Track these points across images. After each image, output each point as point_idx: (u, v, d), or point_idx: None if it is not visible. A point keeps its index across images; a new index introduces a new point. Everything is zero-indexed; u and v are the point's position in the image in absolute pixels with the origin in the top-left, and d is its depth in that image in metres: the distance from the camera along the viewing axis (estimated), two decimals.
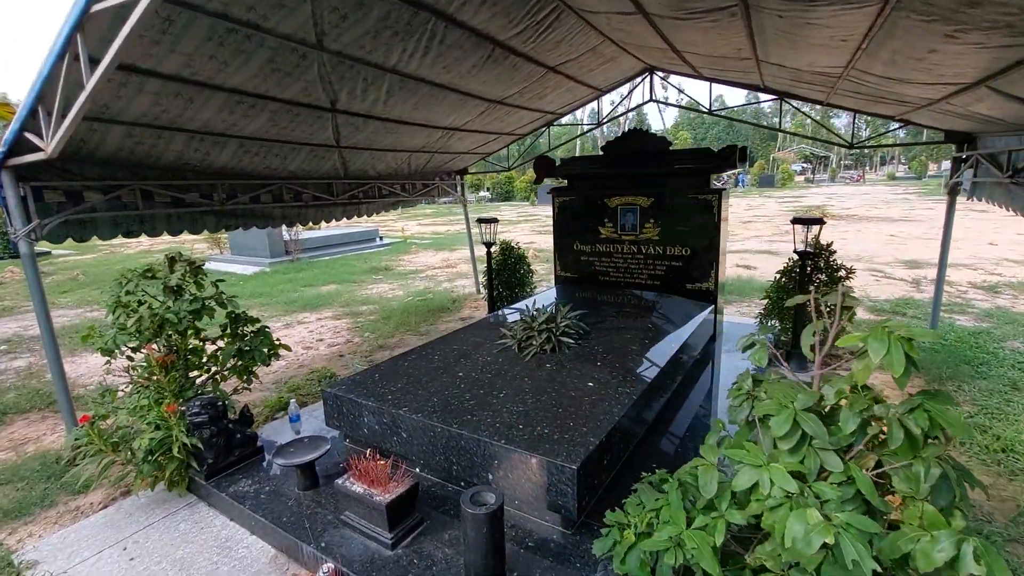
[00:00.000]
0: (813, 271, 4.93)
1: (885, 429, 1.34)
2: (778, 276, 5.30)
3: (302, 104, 4.21)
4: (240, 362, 3.62)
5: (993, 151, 4.45)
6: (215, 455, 3.22)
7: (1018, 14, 1.89)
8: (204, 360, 3.60)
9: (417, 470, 3.17)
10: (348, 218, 6.55)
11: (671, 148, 5.48)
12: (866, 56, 3.17)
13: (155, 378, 3.18)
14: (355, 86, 4.20)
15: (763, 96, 6.27)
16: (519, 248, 6.87)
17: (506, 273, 6.71)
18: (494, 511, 2.18)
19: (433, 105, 5.15)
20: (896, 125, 5.53)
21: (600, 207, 5.81)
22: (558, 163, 6.00)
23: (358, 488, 2.61)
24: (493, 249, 6.47)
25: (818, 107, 5.78)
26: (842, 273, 4.94)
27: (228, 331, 3.77)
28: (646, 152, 5.52)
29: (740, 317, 6.86)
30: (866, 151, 49.46)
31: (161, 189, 4.36)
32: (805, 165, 56.78)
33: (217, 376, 3.71)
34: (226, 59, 3.26)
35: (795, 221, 4.64)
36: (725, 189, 5.18)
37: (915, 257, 11.31)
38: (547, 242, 15.79)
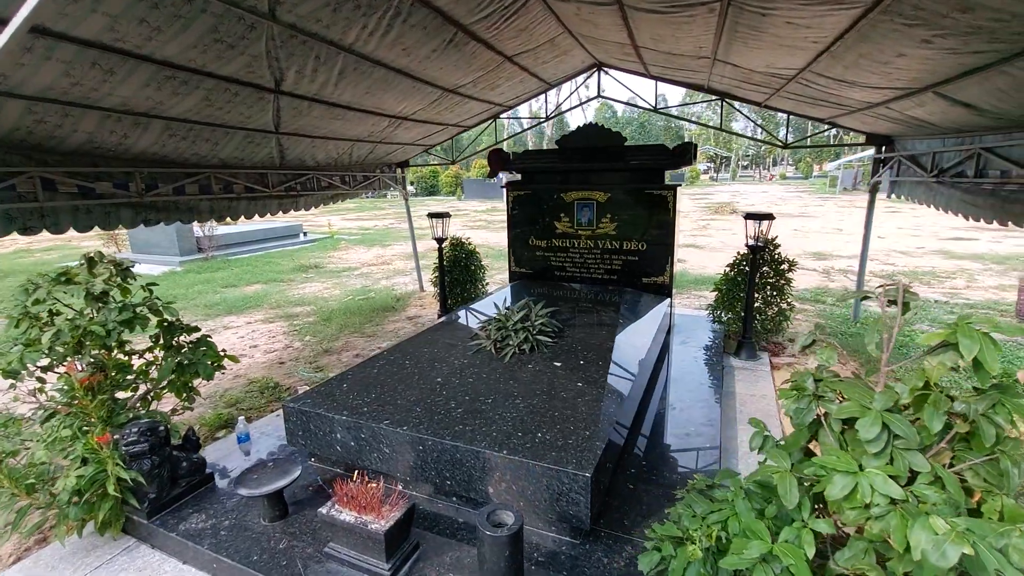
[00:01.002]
0: (761, 264, 5.18)
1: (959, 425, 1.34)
2: (727, 269, 5.53)
3: (243, 83, 3.72)
4: (181, 378, 3.14)
5: (915, 153, 4.90)
6: (158, 488, 2.76)
7: (1006, 20, 2.01)
8: (133, 377, 3.08)
9: (400, 487, 2.91)
10: (284, 212, 5.98)
11: (626, 144, 5.52)
12: (830, 58, 3.32)
13: (78, 403, 2.65)
14: (305, 65, 3.78)
15: (701, 96, 6.52)
16: (470, 244, 6.65)
17: (458, 271, 6.48)
18: (515, 532, 2.02)
19: (385, 91, 4.80)
20: (825, 128, 5.96)
21: (556, 202, 5.76)
22: (512, 157, 5.86)
23: (347, 516, 2.33)
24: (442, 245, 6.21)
25: (755, 108, 6.08)
26: (785, 266, 5.25)
27: (162, 342, 3.26)
28: (602, 147, 5.53)
29: (685, 309, 7.13)
30: (761, 152, 54.02)
31: (66, 177, 3.69)
32: (709, 164, 60.77)
33: (149, 395, 3.20)
34: (160, 24, 2.76)
35: (748, 216, 4.84)
36: (679, 185, 5.31)
37: (819, 249, 12.44)
38: (482, 237, 15.63)
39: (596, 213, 5.60)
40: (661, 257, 5.43)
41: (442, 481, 2.71)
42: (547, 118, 7.24)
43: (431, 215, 6.04)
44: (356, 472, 2.51)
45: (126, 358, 2.98)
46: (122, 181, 4.15)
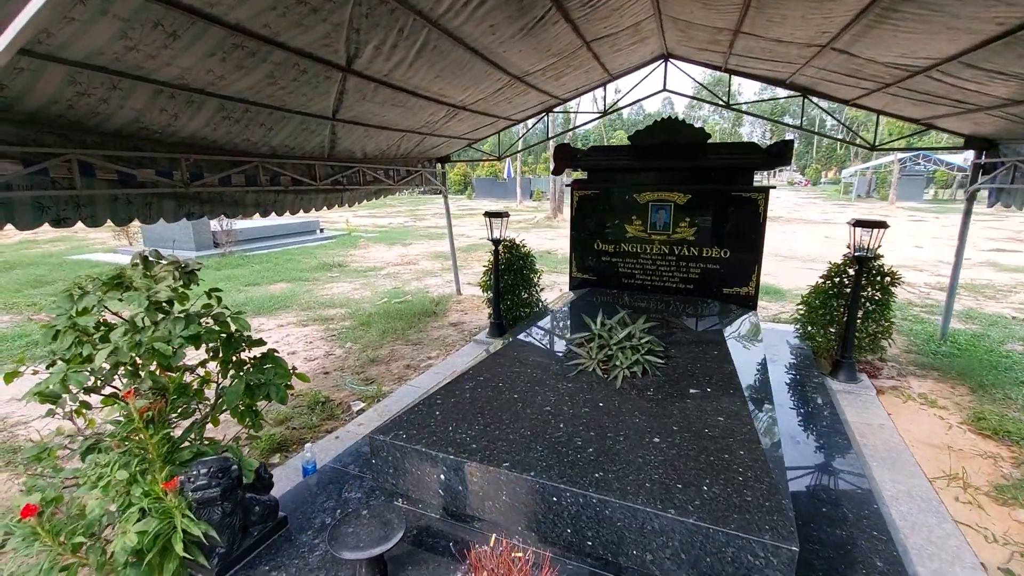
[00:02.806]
0: (864, 277, 4.67)
1: None
2: (821, 281, 5.03)
3: (314, 58, 3.22)
4: (246, 401, 2.64)
5: None
6: (229, 540, 2.26)
7: None
8: (193, 402, 2.58)
9: (517, 541, 2.41)
10: (328, 207, 5.48)
11: (710, 141, 5.02)
12: (1003, 46, 2.84)
13: (137, 437, 2.15)
14: (385, 40, 3.28)
15: (782, 92, 6.04)
16: (524, 247, 6.16)
17: (510, 275, 5.98)
18: None
19: (456, 75, 4.31)
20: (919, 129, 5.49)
21: (628, 203, 5.26)
22: (579, 154, 5.37)
23: None
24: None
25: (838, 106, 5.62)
26: (887, 279, 4.75)
27: (222, 358, 2.76)
28: (681, 144, 5.03)
29: (766, 323, 6.63)
30: None
31: (107, 162, 3.19)
32: None
33: (206, 422, 2.69)
34: None
35: (857, 224, 4.35)
36: (773, 187, 4.82)
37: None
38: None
39: (673, 216, 5.10)
40: (747, 266, 4.93)
41: (580, 540, 2.21)
42: (604, 112, 6.75)
43: (488, 214, 5.54)
44: (495, 536, 2.00)
45: (188, 379, 2.48)
46: (165, 169, 3.65)
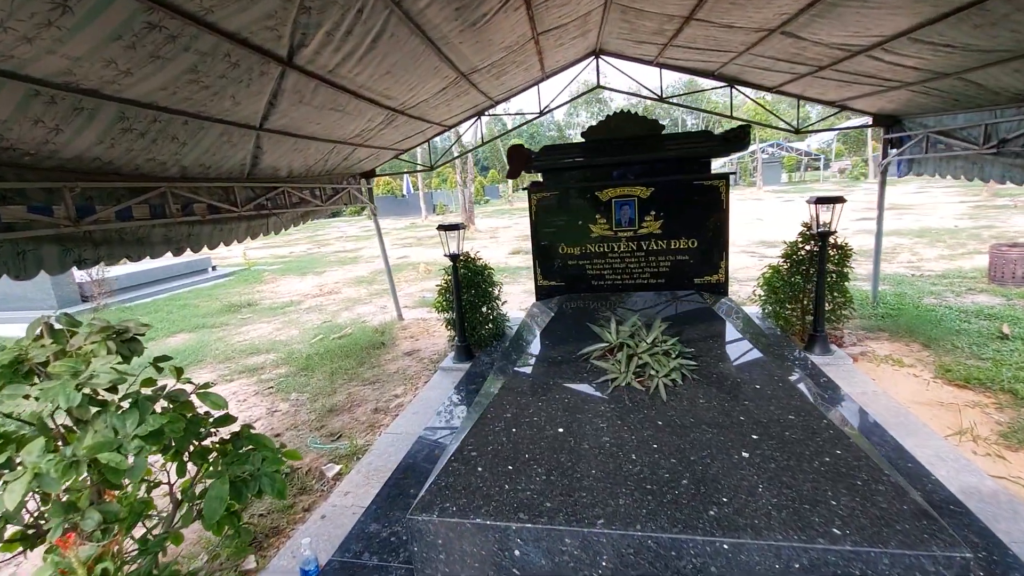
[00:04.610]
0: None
1: None
2: (781, 260, 5.16)
3: (251, 46, 2.55)
4: (233, 505, 1.93)
5: (948, 128, 4.87)
6: None
7: None
8: (153, 526, 1.82)
9: None
10: (252, 237, 4.61)
11: (664, 132, 4.95)
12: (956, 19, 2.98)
13: None
14: (340, 23, 2.69)
15: (707, 84, 6.20)
16: (480, 260, 5.69)
17: (469, 291, 5.48)
18: None
19: (406, 71, 3.77)
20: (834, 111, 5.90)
21: (590, 202, 5.03)
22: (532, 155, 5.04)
23: None
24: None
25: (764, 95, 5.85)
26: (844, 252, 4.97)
27: (175, 448, 2.01)
28: (637, 137, 4.92)
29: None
30: None
31: None
32: None
33: (164, 544, 1.93)
34: None
35: (818, 201, 4.47)
36: (734, 173, 4.85)
37: (762, 237, 13.01)
38: (423, 256, 14.46)
39: (638, 211, 4.95)
40: (715, 254, 4.92)
41: None
42: (542, 112, 6.51)
43: (442, 227, 5.01)
44: None
45: (144, 492, 1.73)
46: (42, 204, 2.72)
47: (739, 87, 6.07)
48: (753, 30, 4.24)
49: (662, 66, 6.12)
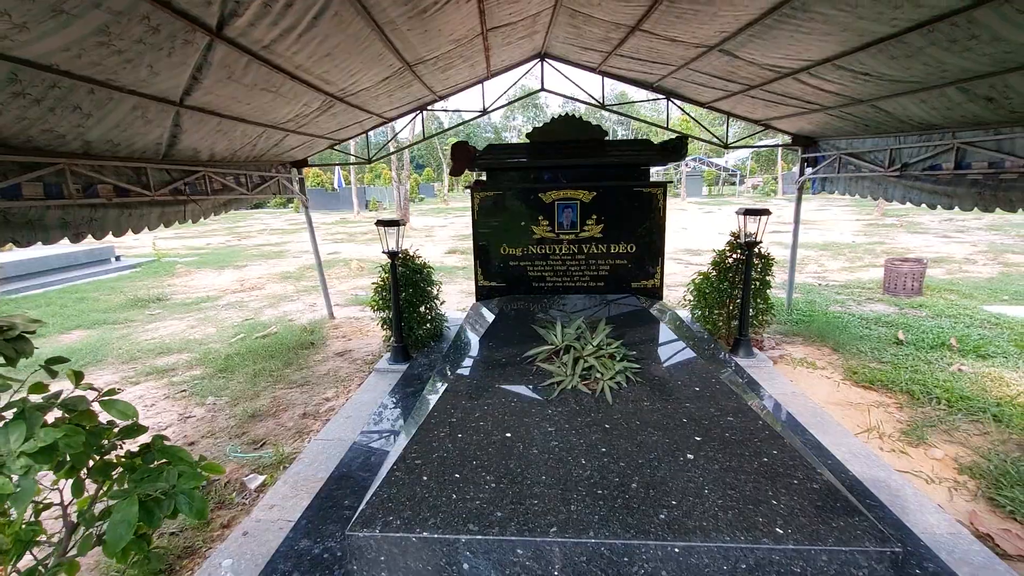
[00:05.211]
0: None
1: None
2: (709, 268, 5.41)
3: (174, 9, 2.27)
4: (142, 529, 1.69)
5: (858, 151, 5.34)
6: None
7: None
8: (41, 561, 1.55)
9: None
10: (166, 225, 4.16)
11: (608, 138, 5.05)
12: (877, 51, 3.26)
13: None
14: None
15: (643, 95, 6.41)
16: (418, 258, 5.51)
17: (407, 290, 5.29)
18: None
19: (349, 55, 3.56)
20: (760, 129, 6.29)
21: (533, 203, 5.02)
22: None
23: None
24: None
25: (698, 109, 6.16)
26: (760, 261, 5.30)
27: (70, 465, 1.73)
28: (581, 141, 4.97)
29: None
30: None
31: None
32: None
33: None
34: None
35: (746, 212, 4.73)
36: (670, 181, 5.02)
37: (688, 246, 13.71)
38: (356, 252, 13.94)
39: (580, 215, 5.01)
40: (651, 259, 5.08)
41: None
42: (484, 111, 6.42)
43: (380, 223, 4.79)
44: None
45: (32, 515, 1.47)
46: None
47: (675, 100, 6.32)
48: (694, 45, 4.41)
49: (604, 74, 6.25)
